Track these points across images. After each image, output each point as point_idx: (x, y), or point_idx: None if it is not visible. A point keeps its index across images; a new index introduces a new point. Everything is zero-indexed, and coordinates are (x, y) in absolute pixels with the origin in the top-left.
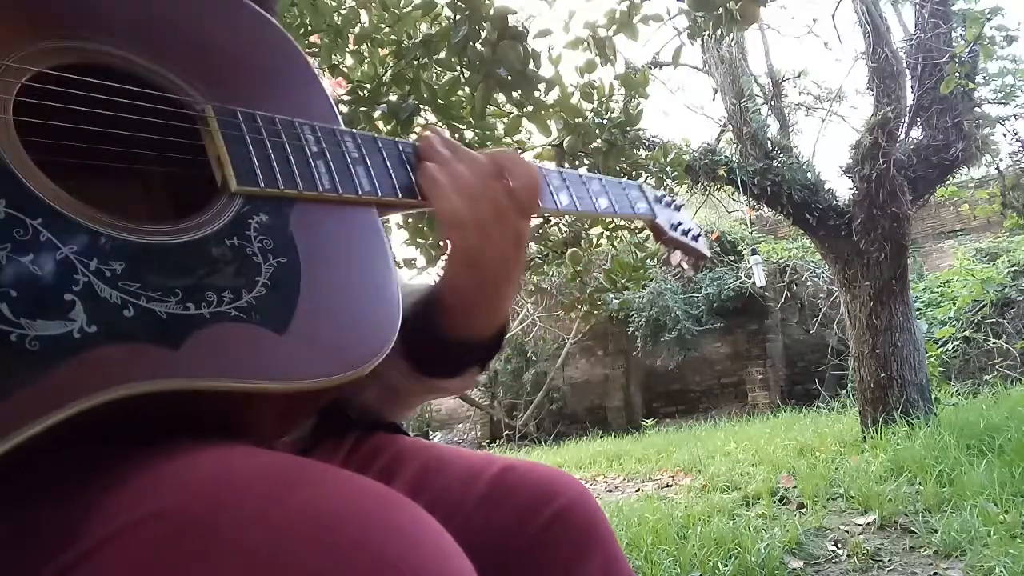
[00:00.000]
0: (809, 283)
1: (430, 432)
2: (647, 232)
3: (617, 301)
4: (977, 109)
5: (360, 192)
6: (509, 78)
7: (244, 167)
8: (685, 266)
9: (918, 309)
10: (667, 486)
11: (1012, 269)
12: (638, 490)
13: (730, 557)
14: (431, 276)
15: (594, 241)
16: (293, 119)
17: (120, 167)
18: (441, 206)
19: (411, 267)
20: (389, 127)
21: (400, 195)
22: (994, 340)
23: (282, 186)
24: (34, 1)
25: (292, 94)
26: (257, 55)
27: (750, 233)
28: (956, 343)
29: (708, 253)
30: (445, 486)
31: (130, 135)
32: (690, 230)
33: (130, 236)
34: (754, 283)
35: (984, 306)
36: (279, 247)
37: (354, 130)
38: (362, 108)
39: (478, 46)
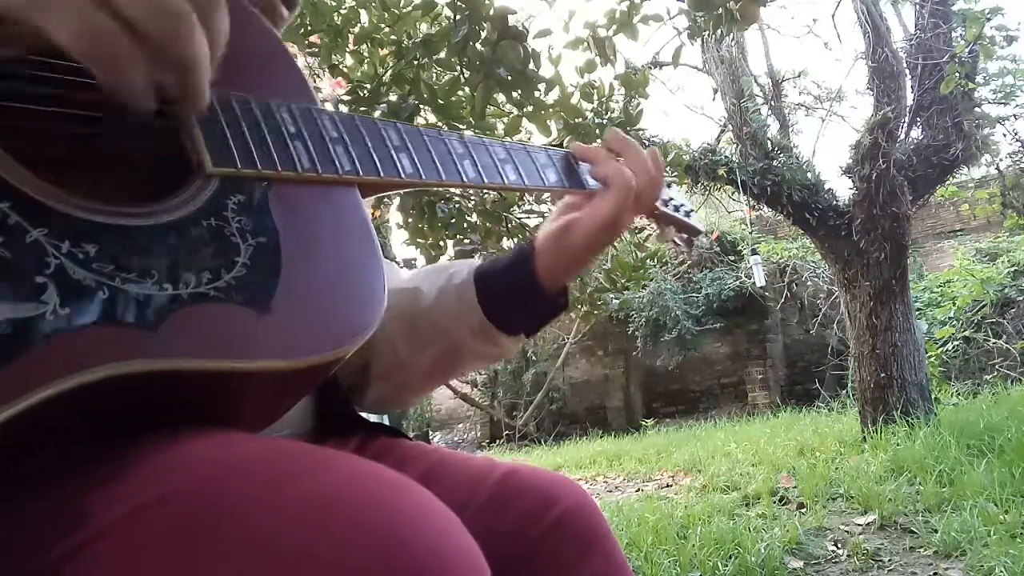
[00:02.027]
0: (809, 283)
1: (430, 432)
2: (647, 232)
3: (617, 301)
4: (977, 109)
5: (340, 172)
6: (509, 78)
7: (220, 148)
8: (679, 242)
9: (918, 309)
10: (667, 486)
11: (1012, 269)
12: (638, 490)
13: (730, 557)
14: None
15: None
16: (268, 101)
17: (93, 150)
18: (627, 185)
19: (411, 267)
20: None
21: (382, 173)
22: (994, 340)
23: (260, 166)
24: None
25: (267, 76)
26: (231, 41)
27: (750, 233)
28: (956, 343)
29: (702, 228)
30: (448, 491)
31: (103, 115)
32: (682, 206)
33: (103, 218)
34: (754, 283)
35: (984, 306)
36: (258, 227)
37: (331, 110)
38: (362, 108)
39: (478, 46)
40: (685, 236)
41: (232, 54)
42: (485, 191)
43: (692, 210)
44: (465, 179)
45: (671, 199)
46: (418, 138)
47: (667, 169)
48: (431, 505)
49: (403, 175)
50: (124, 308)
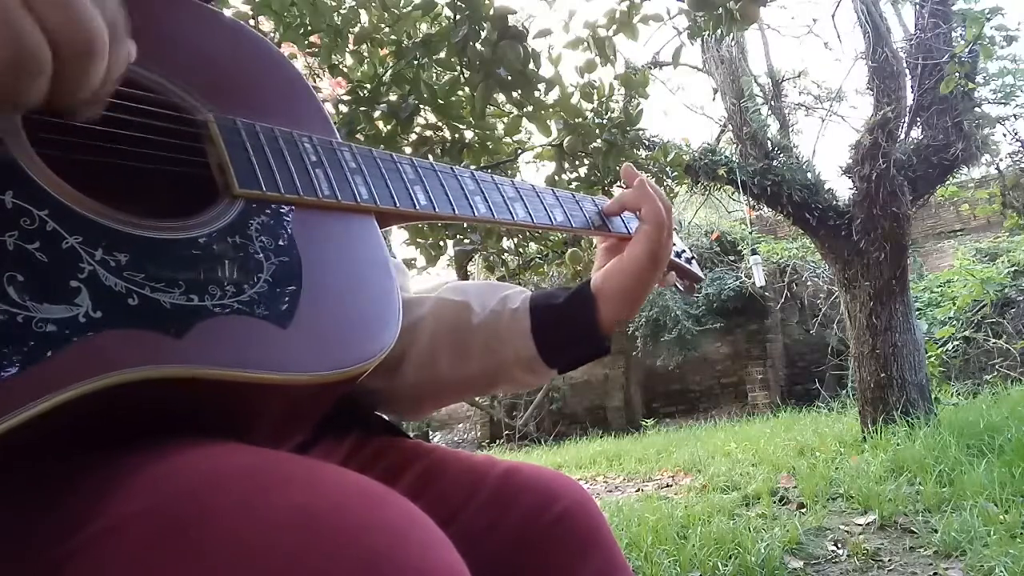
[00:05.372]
0: (809, 283)
1: (430, 432)
2: None
3: None
4: (977, 109)
5: (359, 200)
6: (509, 78)
7: (245, 172)
8: (680, 287)
9: (918, 309)
10: (667, 486)
11: (1012, 269)
12: (638, 490)
13: (730, 557)
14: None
15: (594, 241)
16: (292, 131)
17: (124, 169)
18: (659, 219)
19: (411, 267)
20: (389, 127)
21: (398, 204)
22: (994, 340)
23: (283, 191)
24: None
25: (291, 111)
26: (258, 75)
27: (750, 233)
28: (956, 343)
29: (702, 276)
30: (448, 489)
31: (134, 136)
32: (683, 252)
33: (134, 230)
34: (754, 283)
35: (984, 306)
36: (280, 247)
37: (351, 143)
38: (362, 108)
39: (478, 46)
40: (686, 282)
41: (261, 89)
42: None
43: (693, 257)
44: (476, 214)
45: (673, 245)
46: (432, 173)
47: (667, 169)
48: (416, 519)
49: (417, 207)
50: (152, 315)
